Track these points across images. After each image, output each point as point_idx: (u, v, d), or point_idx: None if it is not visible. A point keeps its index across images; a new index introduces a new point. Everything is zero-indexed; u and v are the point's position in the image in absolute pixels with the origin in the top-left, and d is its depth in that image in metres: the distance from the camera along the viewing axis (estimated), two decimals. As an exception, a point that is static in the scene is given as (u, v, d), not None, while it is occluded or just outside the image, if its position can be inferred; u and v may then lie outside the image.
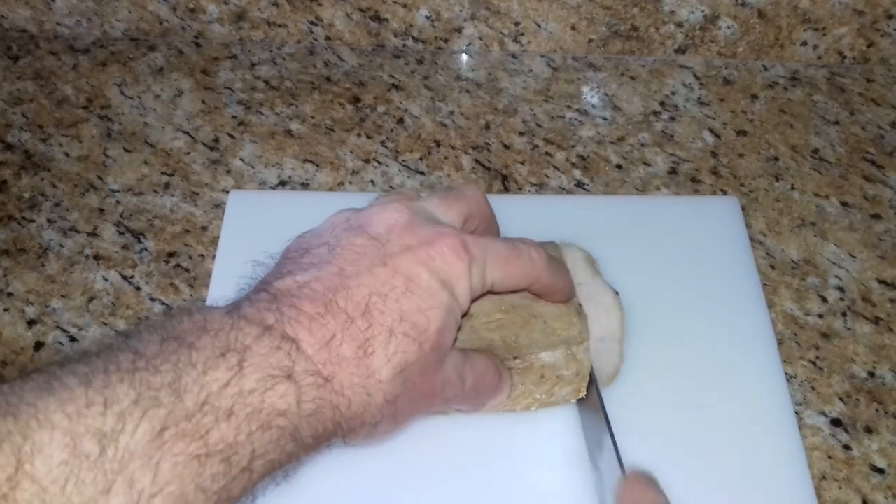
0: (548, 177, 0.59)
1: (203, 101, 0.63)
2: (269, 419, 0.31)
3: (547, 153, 0.60)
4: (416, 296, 0.35)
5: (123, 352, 0.30)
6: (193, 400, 0.29)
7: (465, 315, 0.38)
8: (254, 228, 0.53)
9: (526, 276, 0.39)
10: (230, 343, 0.31)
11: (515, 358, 0.43)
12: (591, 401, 0.44)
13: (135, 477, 0.27)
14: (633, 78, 0.65)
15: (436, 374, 0.37)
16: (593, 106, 0.63)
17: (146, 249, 0.55)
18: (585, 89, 0.65)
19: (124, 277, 0.53)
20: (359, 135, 0.61)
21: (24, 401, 0.27)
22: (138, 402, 0.28)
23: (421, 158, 0.60)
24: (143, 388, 0.28)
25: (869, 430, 0.48)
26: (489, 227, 0.42)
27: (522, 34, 0.65)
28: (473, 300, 0.38)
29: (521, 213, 0.49)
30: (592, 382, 0.44)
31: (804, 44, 0.65)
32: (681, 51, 0.66)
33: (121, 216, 0.56)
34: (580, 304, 0.45)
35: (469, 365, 0.39)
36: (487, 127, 0.62)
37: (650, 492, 0.35)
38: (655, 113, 0.63)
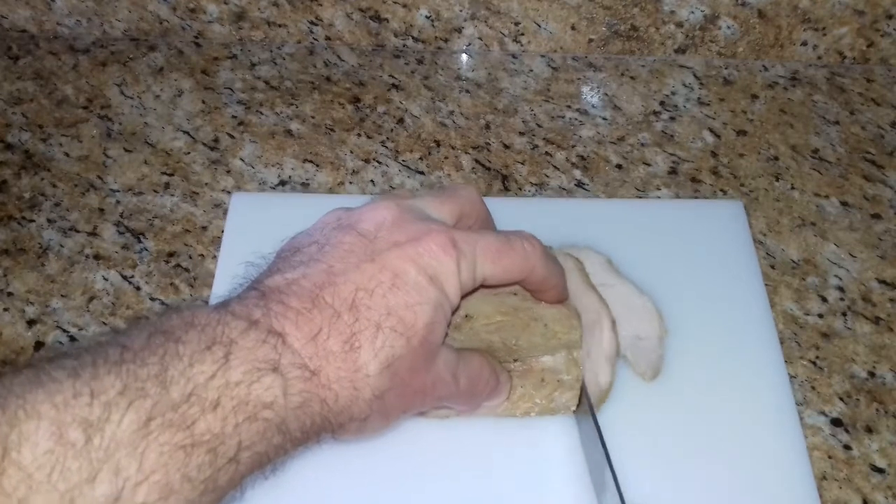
0: (548, 177, 0.59)
1: (203, 101, 0.63)
2: (255, 411, 0.31)
3: (547, 153, 0.60)
4: (403, 291, 0.35)
5: (112, 346, 0.30)
6: (179, 391, 0.29)
7: (455, 311, 0.38)
8: (256, 230, 0.53)
9: (520, 269, 0.39)
10: (216, 337, 0.31)
11: (515, 360, 0.43)
12: (588, 423, 0.44)
13: (120, 465, 0.27)
14: (633, 78, 0.65)
15: (426, 371, 0.37)
16: (593, 106, 0.63)
17: (146, 249, 0.55)
18: (585, 89, 0.65)
19: (124, 277, 0.53)
20: (359, 135, 0.61)
21: (12, 392, 0.27)
22: (124, 392, 0.28)
23: (421, 158, 0.60)
24: (130, 379, 0.29)
25: (869, 430, 0.48)
26: (484, 225, 0.42)
27: (522, 34, 0.65)
28: (465, 296, 0.38)
29: (522, 216, 0.49)
30: (584, 397, 0.44)
31: (804, 44, 0.65)
32: (681, 51, 0.66)
33: (121, 216, 0.56)
34: (614, 321, 0.45)
35: (463, 364, 0.39)
36: (487, 127, 0.62)
37: None
38: (655, 113, 0.63)
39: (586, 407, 0.44)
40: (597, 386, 0.45)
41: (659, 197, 0.58)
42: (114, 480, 0.27)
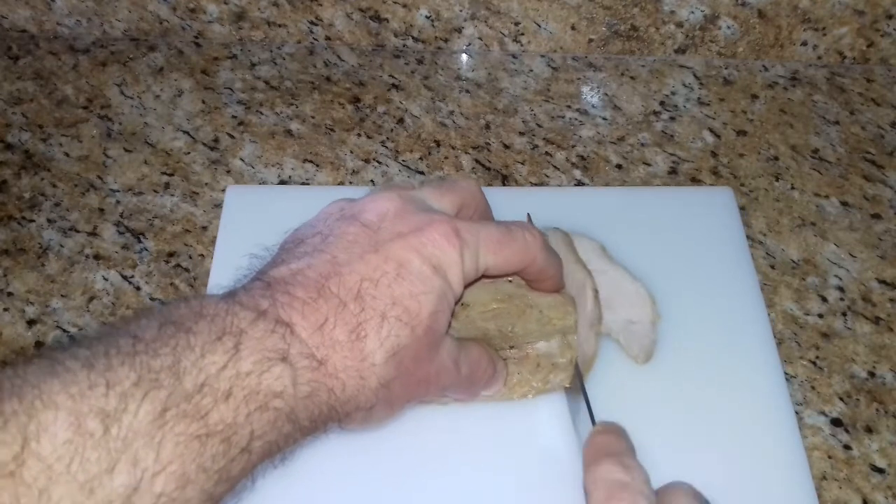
0: (548, 177, 0.59)
1: (203, 101, 0.63)
2: (265, 400, 0.31)
3: (547, 153, 0.60)
4: (408, 281, 0.35)
5: (123, 336, 0.30)
6: (192, 382, 0.30)
7: (458, 301, 0.39)
8: (251, 223, 0.53)
9: (521, 259, 0.40)
10: (226, 327, 0.32)
11: (511, 347, 0.44)
12: (578, 397, 0.45)
13: (138, 456, 0.28)
14: (633, 78, 0.65)
15: (430, 360, 0.37)
16: (593, 106, 0.63)
17: (146, 249, 0.55)
18: (585, 89, 0.65)
19: (124, 277, 0.53)
20: (359, 135, 0.61)
21: (27, 382, 0.28)
22: (139, 383, 0.29)
23: (421, 158, 0.60)
24: (144, 370, 0.29)
25: (869, 430, 0.48)
26: (483, 216, 0.43)
27: (522, 34, 0.65)
28: (467, 285, 0.38)
29: (518, 206, 0.50)
30: (576, 371, 0.45)
31: (804, 44, 0.65)
32: (681, 51, 0.66)
33: (121, 216, 0.56)
34: (596, 290, 0.46)
35: (464, 352, 0.40)
36: (487, 127, 0.62)
37: (614, 438, 0.36)
38: (655, 113, 0.63)
39: (577, 381, 0.45)
40: (582, 354, 0.46)
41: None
42: (132, 471, 0.28)
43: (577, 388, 0.45)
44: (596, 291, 0.46)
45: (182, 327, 0.31)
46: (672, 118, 0.63)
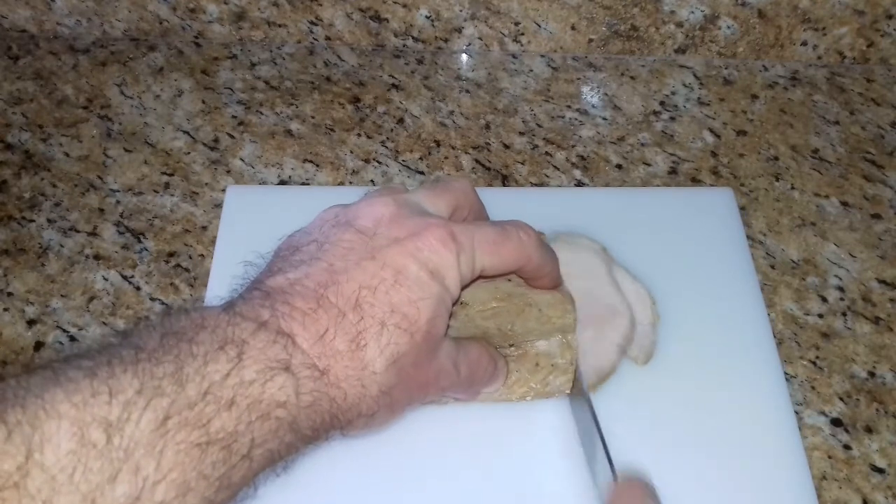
0: (548, 177, 0.59)
1: (203, 101, 0.63)
2: (268, 410, 0.31)
3: (547, 153, 0.60)
4: (406, 287, 0.35)
5: (125, 347, 0.30)
6: (196, 389, 0.30)
7: (456, 303, 0.39)
8: (251, 223, 0.53)
9: (517, 259, 0.40)
10: (228, 337, 0.32)
11: (511, 346, 0.44)
12: (582, 402, 0.44)
13: (140, 465, 0.28)
14: (633, 78, 0.65)
15: (430, 364, 0.37)
16: (593, 106, 0.63)
17: (146, 249, 0.55)
18: (585, 89, 0.65)
19: (124, 277, 0.53)
20: (359, 135, 0.61)
21: (30, 392, 0.28)
22: (142, 391, 0.29)
23: (421, 158, 0.60)
24: (147, 378, 0.29)
25: (869, 430, 0.48)
26: (478, 216, 0.43)
27: (522, 34, 0.65)
28: (464, 287, 0.39)
29: (518, 207, 0.50)
30: (579, 380, 0.45)
31: (804, 44, 0.65)
32: (681, 51, 0.66)
33: (121, 216, 0.56)
34: (634, 318, 0.46)
35: (463, 353, 0.40)
36: (487, 127, 0.62)
37: (640, 494, 0.36)
38: (655, 113, 0.63)
39: (580, 389, 0.44)
40: (600, 368, 0.46)
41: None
42: (133, 480, 0.27)
43: (580, 397, 0.44)
44: (633, 319, 0.46)
45: (184, 337, 0.31)
46: (672, 118, 0.63)
